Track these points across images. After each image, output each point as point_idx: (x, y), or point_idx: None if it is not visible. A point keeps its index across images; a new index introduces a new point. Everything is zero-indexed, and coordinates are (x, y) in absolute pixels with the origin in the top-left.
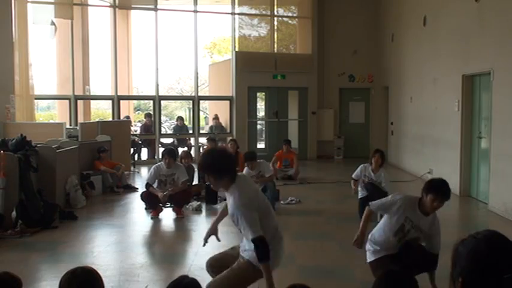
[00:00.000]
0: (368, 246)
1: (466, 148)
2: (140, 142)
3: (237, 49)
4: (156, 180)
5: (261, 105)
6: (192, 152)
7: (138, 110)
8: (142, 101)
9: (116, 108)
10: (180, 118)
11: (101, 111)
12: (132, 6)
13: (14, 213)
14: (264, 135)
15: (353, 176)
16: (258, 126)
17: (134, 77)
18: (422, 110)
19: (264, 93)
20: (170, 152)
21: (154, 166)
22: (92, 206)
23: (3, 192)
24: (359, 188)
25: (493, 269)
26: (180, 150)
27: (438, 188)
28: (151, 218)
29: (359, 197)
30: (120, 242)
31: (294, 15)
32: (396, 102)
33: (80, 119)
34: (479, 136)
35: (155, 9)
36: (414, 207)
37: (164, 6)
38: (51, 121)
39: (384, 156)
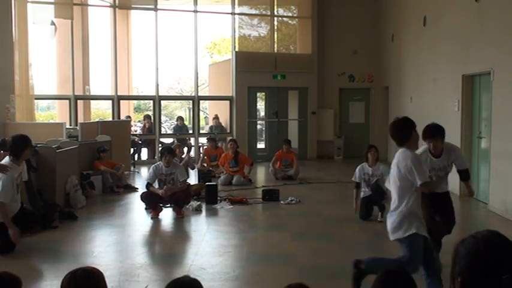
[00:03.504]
0: None
1: (466, 148)
2: (140, 142)
3: (237, 49)
4: (156, 180)
5: (261, 105)
6: (192, 152)
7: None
8: (142, 101)
9: (116, 108)
10: (180, 118)
11: (101, 111)
12: (132, 6)
13: None
14: (264, 135)
15: (353, 179)
16: (258, 126)
17: (134, 77)
18: (422, 110)
19: (264, 93)
20: (168, 149)
21: (153, 166)
22: (92, 206)
23: None
24: (362, 188)
25: (492, 269)
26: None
27: None
28: (151, 218)
29: (362, 196)
30: (120, 242)
31: (294, 15)
32: (396, 102)
33: (80, 119)
34: (479, 136)
35: (155, 9)
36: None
37: (164, 6)
38: (51, 121)
39: (378, 151)
